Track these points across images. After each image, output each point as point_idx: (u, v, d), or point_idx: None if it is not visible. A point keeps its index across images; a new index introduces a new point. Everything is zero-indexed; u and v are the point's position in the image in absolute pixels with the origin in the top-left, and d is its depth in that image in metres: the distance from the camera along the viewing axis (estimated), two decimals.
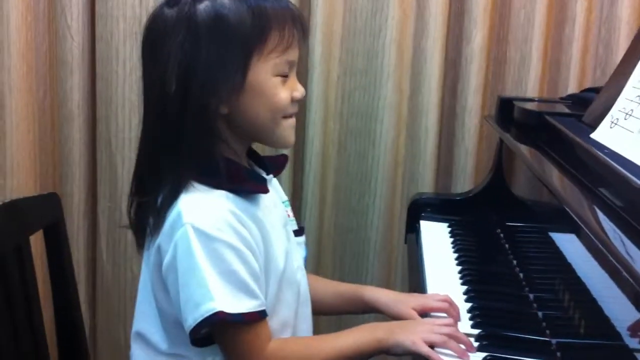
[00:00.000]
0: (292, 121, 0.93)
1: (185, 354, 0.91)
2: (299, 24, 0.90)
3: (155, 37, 0.88)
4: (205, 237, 0.84)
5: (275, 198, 0.99)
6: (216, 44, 0.85)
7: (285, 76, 0.90)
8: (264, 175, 0.97)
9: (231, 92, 0.86)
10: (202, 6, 0.86)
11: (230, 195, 0.88)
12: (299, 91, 0.92)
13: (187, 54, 0.85)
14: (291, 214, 1.03)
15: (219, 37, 0.85)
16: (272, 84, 0.88)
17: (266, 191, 0.93)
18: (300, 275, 0.99)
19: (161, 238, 0.87)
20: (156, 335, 0.92)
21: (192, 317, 0.84)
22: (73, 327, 1.15)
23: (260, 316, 0.87)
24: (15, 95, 1.56)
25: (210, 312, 0.83)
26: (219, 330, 0.87)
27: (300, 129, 1.68)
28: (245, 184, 0.90)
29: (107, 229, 1.70)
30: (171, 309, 0.89)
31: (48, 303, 1.14)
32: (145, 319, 0.94)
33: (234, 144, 0.91)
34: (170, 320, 0.91)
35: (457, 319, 0.99)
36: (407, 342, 0.89)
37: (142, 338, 0.94)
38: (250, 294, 0.86)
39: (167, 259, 0.86)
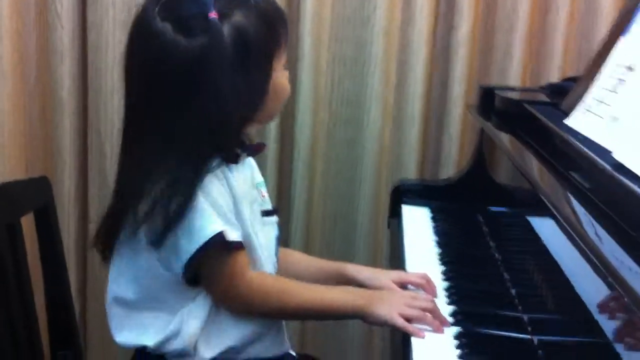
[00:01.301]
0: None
1: (160, 305, 0.95)
2: (285, 16, 0.96)
3: (186, 69, 0.87)
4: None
5: (248, 179, 1.00)
6: (245, 63, 0.89)
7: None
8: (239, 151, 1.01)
9: (261, 99, 0.92)
10: (227, 30, 0.87)
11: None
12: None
13: (227, 81, 0.87)
14: (266, 194, 1.05)
15: (247, 57, 0.89)
16: (284, 77, 0.96)
17: (237, 162, 0.97)
18: (267, 253, 1.00)
19: None
20: (130, 292, 0.96)
21: (195, 243, 0.88)
22: (64, 308, 1.18)
23: (242, 245, 0.93)
24: (7, 83, 1.58)
25: (215, 233, 0.88)
26: (208, 257, 0.91)
27: (290, 116, 1.70)
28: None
29: (97, 216, 1.71)
30: (157, 265, 0.93)
31: (38, 286, 1.16)
32: (118, 284, 0.98)
33: None
34: (147, 275, 0.94)
35: (433, 296, 1.02)
36: (384, 315, 0.92)
37: (117, 300, 0.98)
38: (234, 226, 0.92)
39: None
